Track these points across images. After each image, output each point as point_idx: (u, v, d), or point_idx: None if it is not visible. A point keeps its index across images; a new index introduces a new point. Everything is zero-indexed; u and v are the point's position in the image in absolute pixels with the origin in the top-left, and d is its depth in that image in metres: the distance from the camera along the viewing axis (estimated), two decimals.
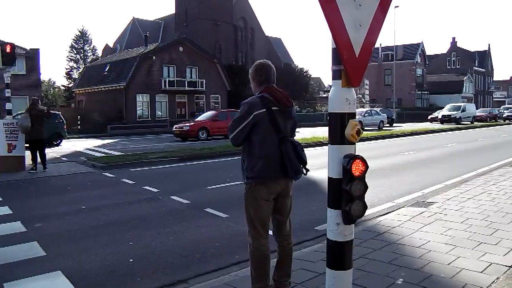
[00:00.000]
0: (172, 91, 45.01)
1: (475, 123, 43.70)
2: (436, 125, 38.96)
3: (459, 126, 37.59)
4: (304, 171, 3.77)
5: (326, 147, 11.43)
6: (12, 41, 13.41)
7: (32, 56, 40.16)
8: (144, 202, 8.68)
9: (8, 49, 13.23)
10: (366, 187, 2.58)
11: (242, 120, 3.61)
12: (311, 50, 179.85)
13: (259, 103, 3.62)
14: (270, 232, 3.89)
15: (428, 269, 4.47)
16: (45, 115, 13.43)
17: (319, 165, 10.75)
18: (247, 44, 72.43)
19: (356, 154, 2.55)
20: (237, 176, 10.78)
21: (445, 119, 42.99)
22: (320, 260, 4.80)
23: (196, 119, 29.76)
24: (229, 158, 15.55)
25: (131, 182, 11.01)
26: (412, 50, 72.87)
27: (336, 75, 2.57)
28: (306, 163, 3.74)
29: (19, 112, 19.96)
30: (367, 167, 2.55)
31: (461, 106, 45.61)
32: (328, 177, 2.64)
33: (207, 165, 14.35)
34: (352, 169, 2.48)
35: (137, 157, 15.21)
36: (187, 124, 27.34)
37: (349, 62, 2.51)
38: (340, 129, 2.53)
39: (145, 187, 10.06)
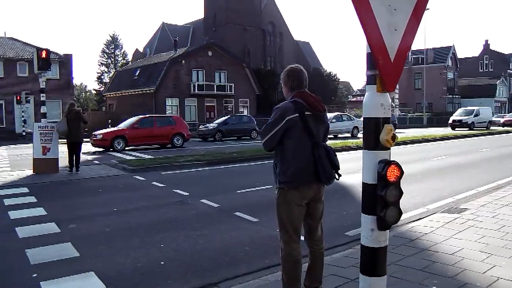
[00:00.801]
0: (201, 95, 45.37)
1: (495, 128, 40.62)
2: (448, 131, 35.83)
3: (469, 132, 34.06)
4: (337, 176, 3.75)
5: (354, 152, 11.49)
6: (46, 47, 13.69)
7: (65, 61, 41.14)
8: (174, 205, 8.76)
9: (43, 55, 13.56)
10: (401, 193, 2.55)
11: (274, 125, 3.62)
12: (339, 54, 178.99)
13: (292, 108, 3.62)
14: (302, 237, 3.87)
15: (462, 278, 4.37)
16: (82, 120, 13.81)
17: (349, 170, 10.68)
18: (275, 49, 72.49)
19: (391, 159, 2.53)
20: (266, 180, 10.82)
21: (456, 124, 40.36)
22: (351, 266, 4.76)
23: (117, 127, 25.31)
24: (259, 162, 15.56)
25: (161, 185, 11.13)
26: (443, 54, 71.70)
27: (370, 80, 2.56)
28: (338, 168, 3.73)
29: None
30: (402, 172, 2.52)
31: (473, 110, 42.44)
32: (363, 183, 2.62)
33: (237, 169, 14.41)
34: (387, 175, 2.46)
35: (167, 161, 15.35)
36: (101, 132, 23.00)
37: (384, 67, 2.49)
38: (374, 134, 2.52)
39: (175, 190, 10.15)
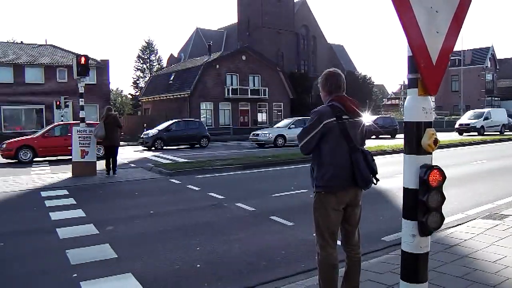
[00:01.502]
0: (235, 99, 45.59)
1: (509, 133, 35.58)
2: (456, 137, 31.84)
3: (475, 138, 28.96)
4: (374, 181, 3.71)
5: (390, 156, 11.33)
6: (85, 53, 14.03)
7: (103, 67, 42.02)
8: (209, 209, 8.82)
9: (82, 61, 13.92)
10: (443, 198, 2.51)
11: (312, 128, 3.60)
12: (374, 57, 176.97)
13: (329, 112, 3.60)
14: (339, 242, 3.84)
15: (506, 287, 4.25)
16: (118, 125, 14.09)
17: (385, 175, 10.54)
18: (309, 52, 72.26)
19: (434, 164, 2.49)
20: (301, 184, 10.81)
21: (463, 129, 35.61)
22: (388, 272, 4.70)
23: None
24: (293, 166, 15.53)
25: (196, 188, 11.23)
26: (481, 55, 69.97)
27: (412, 84, 2.52)
28: (376, 173, 3.69)
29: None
30: (444, 177, 2.48)
31: (483, 112, 37.43)
32: (404, 188, 2.59)
33: (271, 173, 14.41)
34: (430, 180, 2.42)
35: (202, 164, 15.49)
36: (6, 142, 20.74)
37: (426, 70, 2.45)
38: (416, 139, 2.48)
39: (210, 194, 10.23)
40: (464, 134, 35.06)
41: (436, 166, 2.46)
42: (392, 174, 11.47)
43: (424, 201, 2.45)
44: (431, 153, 2.52)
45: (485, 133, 34.93)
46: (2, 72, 37.44)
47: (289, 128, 27.37)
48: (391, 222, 7.28)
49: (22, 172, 15.78)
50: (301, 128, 3.76)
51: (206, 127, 42.84)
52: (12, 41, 51.73)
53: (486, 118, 36.29)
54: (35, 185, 12.34)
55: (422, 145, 2.47)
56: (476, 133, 34.50)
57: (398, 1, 2.39)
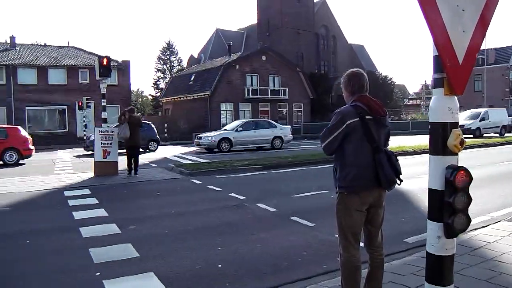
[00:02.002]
0: (255, 100, 45.61)
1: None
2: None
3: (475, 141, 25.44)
4: (398, 182, 3.68)
5: (411, 157, 11.19)
6: (106, 54, 14.22)
7: (124, 68, 42.48)
8: (230, 209, 8.84)
9: (104, 62, 14.11)
10: (470, 200, 2.47)
11: (335, 129, 3.58)
12: (394, 57, 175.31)
13: (353, 112, 3.58)
14: (362, 243, 3.82)
15: None
16: (140, 125, 14.26)
17: (407, 175, 10.37)
18: (329, 52, 72.00)
19: (459, 165, 2.45)
20: (323, 185, 10.77)
21: None
22: (411, 273, 4.65)
23: None
24: (313, 167, 15.47)
25: (217, 188, 11.26)
26: (505, 54, 68.59)
27: (437, 83, 2.49)
28: (400, 174, 3.66)
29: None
30: (471, 179, 2.44)
31: (480, 112, 33.96)
32: (429, 189, 2.55)
33: (292, 174, 14.38)
34: (456, 181, 2.39)
35: (223, 165, 15.54)
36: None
37: (452, 70, 2.42)
38: (442, 139, 2.45)
39: (231, 194, 10.25)
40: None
41: (463, 167, 2.43)
42: (414, 175, 11.35)
43: (450, 202, 2.42)
44: (457, 154, 2.48)
45: (483, 135, 32.42)
46: (26, 73, 38.17)
47: (237, 131, 25.14)
48: (413, 223, 7.21)
49: (47, 170, 16.05)
50: (324, 129, 3.74)
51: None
52: (36, 43, 52.56)
53: (482, 119, 33.36)
54: (58, 184, 12.53)
55: (448, 146, 2.44)
56: (471, 136, 31.15)
57: (424, 0, 2.36)
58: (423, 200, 8.85)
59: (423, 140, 28.78)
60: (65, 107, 39.35)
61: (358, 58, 74.70)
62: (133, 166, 14.12)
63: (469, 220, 2.50)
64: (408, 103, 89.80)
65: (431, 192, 2.54)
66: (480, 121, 33.23)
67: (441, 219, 2.48)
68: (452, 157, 2.47)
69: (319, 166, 15.31)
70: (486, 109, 37.75)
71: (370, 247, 3.86)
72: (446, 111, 2.45)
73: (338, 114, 3.63)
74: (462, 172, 2.41)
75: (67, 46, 45.78)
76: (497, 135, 33.50)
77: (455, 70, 2.44)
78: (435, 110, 2.49)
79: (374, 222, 3.79)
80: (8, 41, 42.79)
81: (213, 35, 75.77)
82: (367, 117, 3.58)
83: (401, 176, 3.69)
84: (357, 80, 3.75)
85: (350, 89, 3.77)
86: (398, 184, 3.70)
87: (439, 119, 2.47)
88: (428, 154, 2.58)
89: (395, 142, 27.49)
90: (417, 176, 11.25)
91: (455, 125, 2.47)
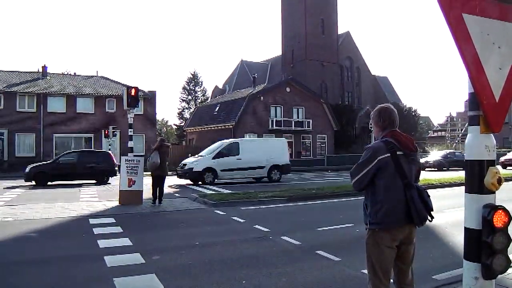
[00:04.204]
0: (279, 131, 45.70)
1: None
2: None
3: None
4: (430, 218, 3.62)
5: (436, 191, 10.92)
6: (132, 84, 14.52)
7: (150, 97, 43.24)
8: (255, 241, 8.76)
9: (133, 93, 14.34)
10: (510, 240, 2.40)
11: (366, 164, 3.57)
12: (419, 89, 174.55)
13: (384, 148, 3.56)
14: (392, 280, 3.74)
15: None
16: (168, 155, 14.46)
17: (434, 209, 10.22)
18: (353, 84, 72.10)
19: (498, 204, 2.40)
20: (347, 218, 10.64)
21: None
22: None
23: None
24: (337, 200, 15.30)
25: (241, 220, 11.20)
26: None
27: (473, 121, 2.47)
28: (432, 210, 3.61)
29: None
30: (510, 218, 2.38)
31: None
32: (465, 228, 2.50)
33: (317, 206, 14.24)
34: (494, 220, 2.33)
35: (247, 195, 15.48)
36: None
37: (489, 107, 2.40)
38: (478, 177, 2.41)
39: (255, 226, 10.17)
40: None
41: (501, 206, 2.38)
42: (441, 209, 11.13)
43: (489, 242, 2.36)
44: (494, 193, 2.43)
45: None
46: (55, 102, 39.26)
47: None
48: (441, 259, 7.04)
49: (72, 197, 16.24)
50: (355, 165, 3.71)
51: None
52: (66, 72, 54.06)
53: None
54: (84, 212, 12.64)
55: (485, 184, 2.39)
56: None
57: (459, 37, 2.36)
58: (452, 235, 8.66)
59: (448, 173, 28.29)
60: (91, 135, 40.09)
61: (382, 90, 74.59)
62: (158, 195, 14.19)
63: (508, 261, 2.43)
64: (433, 135, 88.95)
65: (467, 231, 2.48)
66: None
67: (478, 259, 2.42)
68: (490, 196, 2.43)
69: (344, 199, 15.13)
70: None
71: (401, 284, 3.79)
72: (482, 148, 2.42)
73: (369, 150, 3.62)
74: (500, 211, 2.36)
75: (95, 76, 46.97)
76: None
77: (492, 107, 2.41)
78: (471, 148, 2.46)
79: (404, 259, 3.72)
80: (40, 70, 44.10)
81: (238, 66, 76.74)
82: (398, 152, 3.56)
83: (432, 213, 3.63)
84: (388, 116, 3.75)
85: (381, 124, 3.76)
86: (430, 221, 3.66)
87: (476, 157, 2.43)
88: (454, 187, 2.54)
89: (420, 175, 27.06)
90: (444, 210, 11.04)
91: (492, 162, 2.43)
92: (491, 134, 2.46)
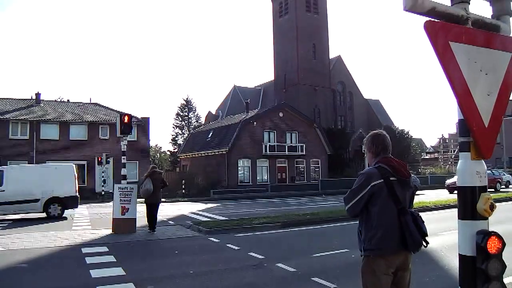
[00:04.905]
0: (273, 156, 45.75)
1: None
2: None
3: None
4: (424, 244, 3.61)
5: (431, 213, 10.89)
6: (125, 110, 14.56)
7: (143, 124, 43.31)
8: (250, 269, 8.67)
9: (126, 120, 14.35)
10: (504, 266, 2.39)
11: (359, 190, 3.57)
12: (411, 111, 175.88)
13: (377, 174, 3.57)
14: None
15: None
16: (164, 183, 14.36)
17: (429, 232, 10.17)
18: (345, 108, 72.53)
19: (491, 230, 2.39)
20: (342, 243, 10.58)
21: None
22: None
23: None
24: (332, 225, 15.24)
25: (236, 247, 11.10)
26: None
27: (464, 147, 2.48)
28: (426, 235, 3.60)
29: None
30: (504, 244, 2.37)
31: None
32: (460, 254, 2.48)
33: (311, 231, 14.15)
34: (488, 247, 2.32)
35: (241, 222, 15.37)
36: None
37: (478, 134, 2.41)
38: (471, 204, 2.41)
39: (250, 253, 10.07)
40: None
41: (494, 232, 2.37)
42: (436, 232, 11.10)
43: (483, 269, 2.34)
44: (487, 219, 2.43)
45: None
46: (48, 129, 39.28)
47: None
48: (438, 283, 7.01)
49: (65, 226, 16.06)
50: (348, 191, 3.71)
51: (244, 184, 42.80)
52: (60, 99, 54.15)
53: None
54: (76, 240, 12.50)
55: (478, 210, 2.39)
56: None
57: (447, 64, 2.39)
58: (447, 258, 8.62)
59: (442, 194, 28.28)
60: (84, 162, 39.93)
61: (374, 113, 75.04)
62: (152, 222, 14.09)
63: (504, 287, 2.41)
64: (426, 157, 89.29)
65: (462, 258, 2.46)
66: None
67: (473, 286, 2.40)
68: (483, 222, 2.42)
69: (338, 224, 15.08)
70: None
71: None
72: (474, 175, 2.42)
73: (362, 176, 3.63)
74: (494, 237, 2.35)
75: (89, 103, 47.10)
76: None
77: (482, 133, 2.43)
78: (462, 174, 2.46)
79: (400, 286, 3.70)
80: (34, 97, 44.17)
81: (231, 92, 77.08)
82: (391, 178, 3.56)
83: (427, 238, 3.63)
84: (380, 142, 3.77)
85: (374, 150, 3.78)
86: (425, 246, 3.65)
87: (467, 183, 2.44)
88: (449, 209, 2.53)
89: (415, 197, 27.04)
90: (439, 233, 11.01)
91: (483, 188, 2.43)
92: (482, 160, 2.47)
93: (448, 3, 2.60)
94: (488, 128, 2.47)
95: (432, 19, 2.39)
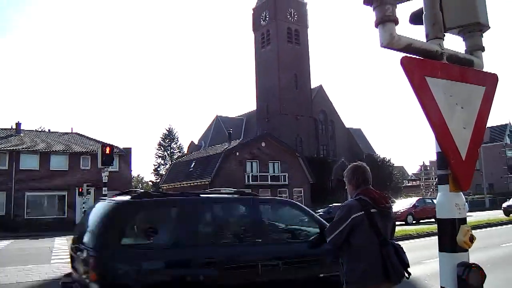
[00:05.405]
0: (256, 186, 45.58)
1: None
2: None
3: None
4: (406, 275, 3.61)
5: (414, 241, 10.91)
6: (107, 140, 14.50)
7: (125, 154, 43.03)
8: None
9: (107, 151, 14.25)
10: None
11: (340, 223, 3.58)
12: (392, 139, 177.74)
13: (357, 206, 3.59)
14: None
15: None
16: None
17: (412, 261, 10.14)
18: (327, 137, 73.13)
19: (472, 262, 2.41)
20: None
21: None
22: None
23: None
24: None
25: None
26: (500, 132, 69.72)
27: (442, 180, 2.50)
28: (408, 266, 3.60)
29: None
30: (484, 276, 2.38)
31: None
32: (441, 287, 2.48)
33: None
34: (469, 279, 2.33)
35: None
36: None
37: (456, 166, 2.44)
38: (451, 236, 2.42)
39: None
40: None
41: (475, 264, 2.38)
42: (419, 260, 11.11)
43: None
44: (467, 251, 2.45)
45: None
46: (28, 159, 38.79)
47: None
48: None
49: (42, 259, 15.68)
50: (330, 223, 3.72)
51: None
52: (41, 129, 53.66)
53: None
54: (55, 274, 12.18)
55: (458, 243, 2.40)
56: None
57: (424, 99, 2.43)
58: (431, 287, 8.61)
59: (425, 224, 28.40)
60: (65, 193, 39.40)
61: (356, 142, 75.82)
62: None
63: None
64: (408, 184, 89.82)
65: None
66: None
67: None
68: (463, 254, 2.43)
69: None
70: None
71: None
72: (453, 207, 2.44)
73: (343, 208, 3.64)
74: (475, 269, 2.36)
75: (70, 133, 46.74)
76: None
77: (460, 166, 2.46)
78: (442, 207, 2.48)
79: None
80: (14, 127, 43.70)
81: (213, 122, 77.28)
82: (372, 210, 3.58)
83: (409, 269, 3.63)
84: (361, 174, 3.80)
85: (355, 182, 3.80)
86: (407, 278, 3.65)
87: (447, 216, 2.45)
88: (432, 237, 2.55)
89: (398, 226, 27.14)
90: (423, 261, 11.00)
91: (463, 220, 2.45)
92: (461, 193, 2.50)
93: (424, 39, 2.67)
94: (465, 161, 2.50)
95: (409, 55, 2.45)
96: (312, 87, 69.55)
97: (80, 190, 36.06)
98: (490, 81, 2.75)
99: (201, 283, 5.45)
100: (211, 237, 6.15)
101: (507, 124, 70.78)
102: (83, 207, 35.63)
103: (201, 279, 5.45)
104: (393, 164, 72.59)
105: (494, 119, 66.79)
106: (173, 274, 5.46)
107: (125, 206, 5.88)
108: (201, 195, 6.84)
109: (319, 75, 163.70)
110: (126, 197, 6.07)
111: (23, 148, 39.09)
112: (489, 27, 2.79)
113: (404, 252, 3.66)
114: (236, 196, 7.03)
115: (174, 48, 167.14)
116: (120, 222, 5.67)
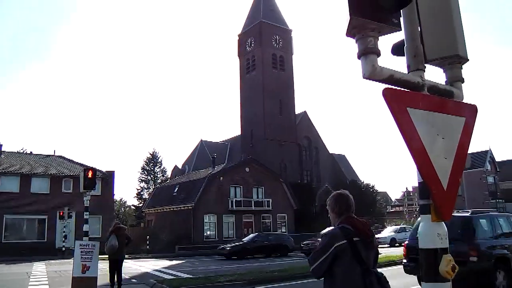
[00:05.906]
0: (239, 211, 45.47)
1: None
2: None
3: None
4: None
5: (398, 267, 10.96)
6: (90, 163, 14.37)
7: (108, 178, 42.60)
8: None
9: (90, 175, 14.04)
10: None
11: (323, 252, 3.55)
12: (375, 165, 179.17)
13: (340, 235, 3.57)
14: None
15: None
16: (128, 239, 13.99)
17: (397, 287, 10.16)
18: (311, 162, 73.25)
19: None
20: None
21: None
22: None
23: None
24: (305, 281, 14.96)
25: None
26: (481, 158, 70.43)
27: (424, 210, 2.52)
28: None
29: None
30: None
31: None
32: None
33: None
34: None
35: (207, 281, 14.98)
36: None
37: (438, 196, 2.46)
38: (433, 266, 2.43)
39: None
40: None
41: None
42: (405, 286, 11.09)
43: None
44: (449, 280, 2.45)
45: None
46: (9, 181, 38.13)
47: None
48: None
49: (19, 285, 15.30)
50: (312, 252, 3.70)
51: (210, 240, 42.06)
52: (22, 151, 52.95)
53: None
54: None
55: (440, 273, 2.41)
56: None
57: (405, 129, 2.46)
58: None
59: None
60: (45, 216, 38.72)
61: (339, 167, 76.06)
62: (117, 280, 13.57)
63: None
64: (391, 210, 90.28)
65: None
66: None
67: None
68: (445, 284, 2.44)
69: (310, 280, 14.87)
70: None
71: None
72: (435, 237, 2.46)
73: (325, 237, 3.62)
74: None
75: (52, 155, 46.18)
76: None
77: (441, 196, 2.48)
78: (424, 237, 2.50)
79: None
80: None
81: (198, 147, 77.02)
82: (355, 239, 3.56)
83: None
84: (344, 202, 3.79)
85: (338, 210, 3.79)
86: None
87: (429, 246, 2.46)
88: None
89: (382, 251, 27.04)
90: None
91: (445, 250, 2.46)
92: (443, 222, 2.51)
93: (405, 69, 2.72)
94: (447, 191, 2.53)
95: (390, 86, 2.49)
96: (296, 113, 69.95)
97: (61, 213, 35.55)
98: (469, 112, 2.80)
99: None
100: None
101: (487, 150, 71.74)
102: (64, 232, 35.10)
103: None
104: (377, 190, 72.98)
105: (475, 146, 67.53)
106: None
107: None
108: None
109: (304, 101, 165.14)
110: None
111: (3, 170, 38.43)
112: (468, 60, 2.86)
113: (387, 282, 3.63)
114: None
115: (159, 72, 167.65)
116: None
